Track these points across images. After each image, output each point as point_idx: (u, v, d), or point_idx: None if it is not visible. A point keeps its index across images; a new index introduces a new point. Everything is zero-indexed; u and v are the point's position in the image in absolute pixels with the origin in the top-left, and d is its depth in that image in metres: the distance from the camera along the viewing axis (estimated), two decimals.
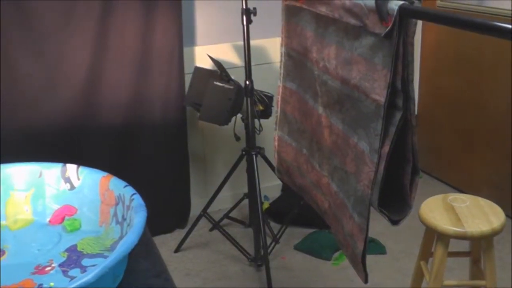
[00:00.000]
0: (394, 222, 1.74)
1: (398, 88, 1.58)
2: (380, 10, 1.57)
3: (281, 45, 2.28)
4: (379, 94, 1.61)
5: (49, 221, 1.77)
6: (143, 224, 1.37)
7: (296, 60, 2.16)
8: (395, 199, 1.74)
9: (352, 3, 1.69)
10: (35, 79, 2.99)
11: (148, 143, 3.32)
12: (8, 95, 2.93)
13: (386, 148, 1.62)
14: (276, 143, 2.36)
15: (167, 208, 3.41)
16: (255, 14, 2.89)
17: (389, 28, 1.53)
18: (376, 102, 1.62)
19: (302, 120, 2.13)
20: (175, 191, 3.48)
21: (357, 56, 1.71)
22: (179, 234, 3.44)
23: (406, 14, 1.51)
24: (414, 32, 1.56)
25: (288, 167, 2.30)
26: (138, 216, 1.41)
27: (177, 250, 3.33)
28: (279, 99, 2.30)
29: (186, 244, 3.35)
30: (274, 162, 2.45)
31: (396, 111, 1.61)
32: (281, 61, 2.29)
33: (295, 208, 3.39)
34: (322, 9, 1.88)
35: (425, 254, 2.48)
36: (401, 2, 1.51)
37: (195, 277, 3.09)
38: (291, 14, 2.18)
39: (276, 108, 2.35)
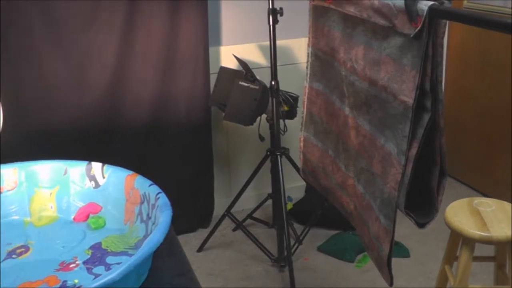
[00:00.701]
0: (421, 225, 1.72)
1: (427, 90, 1.57)
2: (409, 10, 1.55)
3: (308, 46, 2.26)
4: (408, 96, 1.59)
5: (74, 219, 1.77)
6: (168, 223, 1.37)
7: (323, 61, 2.15)
8: (421, 201, 1.72)
9: (381, 3, 1.67)
10: (62, 78, 3.01)
11: (172, 142, 3.32)
12: (35, 93, 2.94)
13: (414, 150, 1.61)
14: (302, 144, 2.35)
15: (190, 208, 3.40)
16: (281, 14, 2.88)
17: (418, 28, 1.52)
18: (404, 104, 1.60)
19: (329, 121, 2.12)
20: (199, 190, 3.48)
21: (385, 57, 1.69)
22: (202, 233, 3.44)
23: (436, 15, 1.49)
24: (444, 33, 1.54)
25: (314, 168, 2.29)
26: (163, 215, 1.41)
27: (200, 249, 3.33)
28: (305, 99, 2.29)
29: (209, 243, 3.35)
30: (299, 163, 2.44)
31: (424, 113, 1.59)
32: (307, 62, 2.27)
33: (318, 209, 3.37)
34: (350, 9, 1.87)
35: (450, 258, 2.46)
36: (431, 3, 1.50)
37: (217, 277, 3.09)
38: (318, 14, 2.17)
39: (302, 109, 2.33)
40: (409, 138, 1.61)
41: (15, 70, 2.86)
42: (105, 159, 1.81)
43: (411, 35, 1.55)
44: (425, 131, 1.58)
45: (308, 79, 2.27)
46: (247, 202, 3.51)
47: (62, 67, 3.00)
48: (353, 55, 1.87)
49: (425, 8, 1.49)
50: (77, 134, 3.06)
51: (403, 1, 1.56)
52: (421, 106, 1.59)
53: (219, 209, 3.50)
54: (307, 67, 2.28)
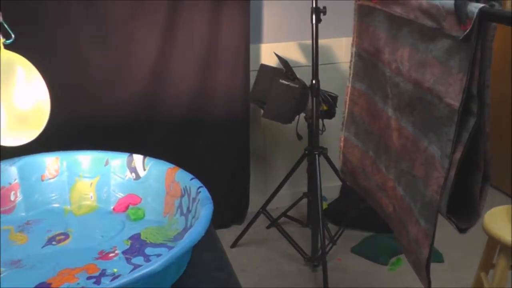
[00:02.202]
0: (462, 230, 1.70)
1: (473, 93, 1.55)
2: (459, 12, 1.53)
3: (352, 45, 2.25)
4: (454, 99, 1.57)
5: (113, 209, 1.79)
6: (209, 217, 1.37)
7: (366, 61, 2.14)
8: (463, 206, 1.70)
9: (429, 4, 1.65)
10: (104, 71, 3.04)
11: (210, 138, 3.33)
12: (77, 85, 2.98)
13: (458, 154, 1.59)
14: (342, 144, 2.34)
15: (226, 203, 3.41)
16: (324, 13, 2.87)
17: (467, 31, 1.50)
18: (450, 107, 1.58)
19: (370, 122, 2.11)
20: (235, 187, 3.48)
21: (431, 59, 1.67)
22: (236, 229, 3.45)
23: (486, 18, 1.47)
24: (493, 36, 1.52)
25: (353, 168, 2.28)
26: (204, 209, 1.42)
27: (233, 245, 3.33)
28: (347, 99, 2.28)
29: (242, 240, 3.35)
30: (338, 163, 2.43)
31: (470, 117, 1.57)
32: (351, 61, 2.26)
33: (353, 210, 3.35)
34: (397, 10, 1.85)
35: (486, 265, 2.42)
36: (481, 5, 1.47)
37: (250, 274, 3.09)
38: (363, 14, 2.15)
39: (343, 109, 2.32)
40: (453, 141, 1.59)
41: (59, 62, 2.90)
42: (143, 152, 1.83)
43: (460, 38, 1.53)
44: (470, 135, 1.56)
45: (350, 79, 2.26)
46: (281, 200, 3.50)
47: (104, 61, 3.03)
48: (399, 56, 1.85)
49: (475, 10, 1.47)
50: (116, 126, 3.08)
51: (452, 3, 1.54)
52: (467, 110, 1.57)
53: (253, 205, 3.51)
54: (350, 67, 2.27)
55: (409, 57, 1.79)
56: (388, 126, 1.95)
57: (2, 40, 1.48)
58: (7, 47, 1.50)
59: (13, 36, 1.49)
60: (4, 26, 1.48)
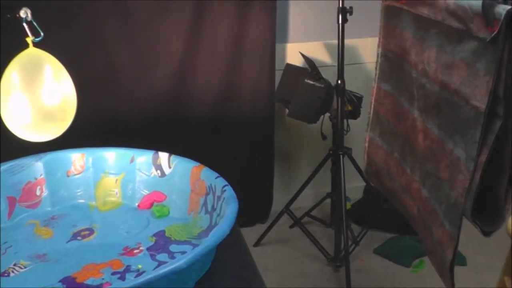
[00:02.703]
0: (486, 234, 1.69)
1: (500, 96, 1.53)
2: (486, 14, 1.52)
3: (378, 46, 2.25)
4: (480, 101, 1.56)
5: (138, 206, 1.81)
6: (235, 215, 1.38)
7: (392, 62, 2.13)
8: (488, 209, 1.69)
9: (456, 6, 1.64)
10: (129, 68, 3.05)
11: (235, 136, 3.33)
12: (103, 82, 3.00)
13: (484, 157, 1.58)
14: (367, 144, 2.34)
15: (249, 202, 3.40)
16: (351, 14, 2.86)
17: (495, 33, 1.48)
18: (476, 109, 1.58)
19: (396, 123, 2.10)
20: (259, 186, 3.49)
21: (458, 61, 1.67)
22: (259, 228, 3.45)
23: None
24: None
25: (378, 169, 2.27)
26: (230, 207, 1.43)
27: (256, 244, 3.34)
28: (373, 100, 2.28)
29: (265, 239, 3.35)
30: (363, 163, 2.42)
31: (496, 119, 1.56)
32: (377, 62, 2.26)
33: (377, 212, 3.34)
34: (424, 11, 1.84)
35: (510, 269, 2.40)
36: (509, 7, 1.46)
37: (273, 272, 3.09)
38: (390, 14, 2.15)
39: (369, 109, 2.32)
40: (479, 144, 1.58)
41: (86, 60, 2.92)
42: (168, 150, 1.84)
43: (487, 40, 1.52)
44: (496, 138, 1.55)
45: (376, 80, 2.26)
46: (305, 200, 3.50)
47: (130, 59, 3.04)
48: (425, 57, 1.85)
49: (503, 12, 1.46)
50: (142, 124, 3.10)
51: (480, 4, 1.53)
52: (493, 112, 1.55)
53: (277, 205, 3.51)
54: (376, 68, 2.26)
55: (435, 59, 1.79)
56: (413, 128, 1.95)
57: (31, 38, 1.50)
58: (35, 44, 1.52)
59: (42, 34, 1.50)
60: (34, 24, 1.50)
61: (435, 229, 1.80)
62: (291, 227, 3.49)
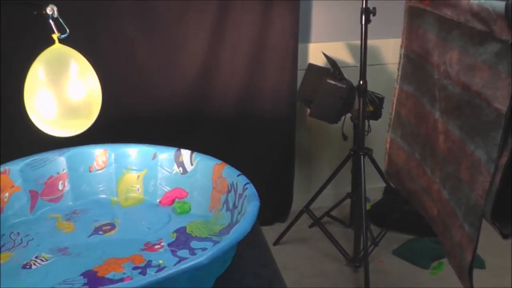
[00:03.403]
0: (505, 236, 1.68)
1: None
2: (508, 16, 1.51)
3: (401, 47, 2.24)
4: (502, 103, 1.56)
5: (159, 202, 1.83)
6: (256, 213, 1.39)
7: (415, 63, 2.13)
8: (507, 211, 1.68)
9: (480, 7, 1.64)
10: (153, 68, 3.07)
11: (256, 135, 3.34)
12: (128, 82, 3.02)
13: (504, 159, 1.57)
14: (388, 145, 2.34)
15: (269, 201, 3.42)
16: (374, 14, 2.86)
17: None
18: (497, 111, 1.57)
19: (417, 124, 2.10)
20: (279, 185, 3.49)
21: (481, 63, 1.66)
22: (278, 227, 3.45)
23: None
24: None
25: (398, 170, 2.27)
26: (251, 205, 1.44)
27: (275, 243, 3.34)
28: (395, 101, 2.27)
29: (285, 238, 3.36)
30: (384, 164, 2.42)
31: None
32: (399, 63, 2.25)
33: (396, 213, 3.34)
34: (448, 12, 1.84)
35: None
36: None
37: (291, 272, 3.10)
38: (413, 16, 2.14)
39: (390, 110, 2.32)
40: (500, 146, 1.57)
41: (110, 57, 2.94)
42: (189, 147, 1.85)
43: (510, 42, 1.51)
44: None
45: (398, 81, 2.25)
46: (324, 200, 3.49)
47: (153, 57, 3.07)
48: (448, 59, 1.84)
49: None
50: (164, 121, 3.12)
51: (503, 6, 1.52)
52: None
53: (296, 204, 3.51)
54: (398, 69, 2.26)
55: (458, 60, 1.78)
56: (435, 129, 1.94)
57: (57, 34, 1.52)
58: (61, 41, 1.54)
59: (68, 31, 1.52)
60: (60, 21, 1.52)
61: (455, 231, 1.80)
62: (310, 226, 3.49)
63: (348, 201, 3.37)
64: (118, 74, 2.97)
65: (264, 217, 3.46)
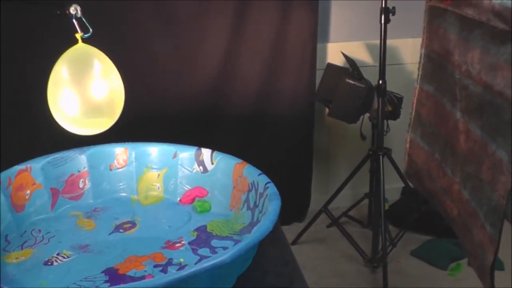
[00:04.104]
0: None
1: None
2: None
3: (421, 47, 2.24)
4: None
5: (180, 201, 1.83)
6: (277, 212, 1.40)
7: (435, 63, 2.12)
8: None
9: (501, 7, 1.63)
10: (172, 68, 3.08)
11: (274, 135, 3.34)
12: (148, 82, 3.03)
13: None
14: (408, 145, 2.33)
15: (287, 201, 3.39)
16: (393, 14, 2.85)
17: None
18: None
19: (437, 124, 2.09)
20: (297, 184, 3.49)
21: (502, 62, 1.65)
22: (296, 227, 3.45)
23: None
24: None
25: (418, 170, 2.26)
26: (272, 204, 1.44)
27: (293, 243, 3.34)
28: (415, 101, 2.27)
29: (303, 238, 3.36)
30: (403, 164, 2.42)
31: None
32: (419, 63, 2.25)
33: (415, 213, 3.33)
34: (469, 12, 1.83)
35: None
36: None
37: (310, 271, 3.09)
38: (434, 15, 2.14)
39: (410, 110, 2.31)
40: None
41: (130, 58, 2.94)
42: (207, 146, 1.86)
43: None
44: None
45: (419, 81, 2.25)
46: (342, 200, 3.49)
47: (172, 58, 3.07)
48: (469, 58, 1.84)
49: None
50: (183, 121, 3.13)
51: None
52: None
53: (314, 204, 3.51)
54: (418, 68, 2.26)
55: (479, 60, 1.77)
56: (455, 129, 1.94)
57: (81, 34, 1.53)
58: (84, 40, 1.55)
59: (91, 30, 1.53)
60: (83, 21, 1.53)
61: (476, 232, 1.79)
62: (328, 226, 3.49)
63: (365, 201, 3.37)
64: (137, 73, 2.97)
65: (282, 216, 3.41)
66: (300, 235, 3.35)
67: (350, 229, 3.36)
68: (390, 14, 2.85)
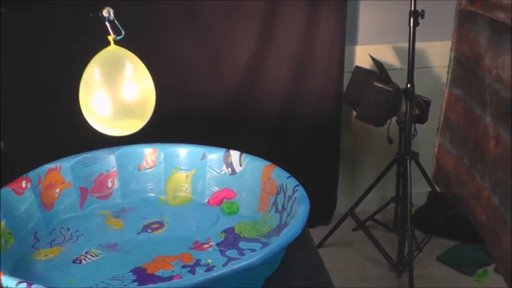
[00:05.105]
0: None
1: None
2: None
3: (451, 50, 2.22)
4: None
5: (207, 202, 1.84)
6: (306, 215, 1.40)
7: (465, 67, 2.10)
8: None
9: None
10: (200, 69, 3.10)
11: (301, 137, 3.35)
12: (171, 81, 3.04)
13: None
14: (436, 150, 2.31)
15: (313, 203, 3.40)
16: (422, 17, 2.84)
17: None
18: None
19: (467, 128, 2.07)
20: (323, 187, 3.48)
21: None
22: (321, 230, 3.44)
23: None
24: None
25: (446, 175, 2.25)
26: (301, 207, 1.44)
27: (319, 246, 3.33)
28: (444, 105, 2.25)
29: (328, 241, 3.35)
30: (431, 169, 2.40)
31: None
32: (449, 66, 2.23)
33: (441, 218, 3.31)
34: (500, 15, 1.82)
35: None
36: None
37: (335, 275, 3.05)
38: (464, 19, 2.12)
39: (439, 114, 2.30)
40: None
41: (158, 58, 2.97)
42: (233, 148, 1.86)
43: None
44: None
45: (448, 84, 2.23)
46: (368, 203, 3.48)
47: (201, 58, 3.09)
48: (500, 62, 1.82)
49: None
50: (209, 122, 3.14)
51: None
52: None
53: (340, 207, 3.51)
54: (447, 72, 2.24)
55: (510, 64, 1.76)
56: (485, 134, 1.92)
57: (113, 36, 1.54)
58: (116, 42, 1.56)
59: (123, 32, 1.54)
60: (115, 23, 1.54)
61: (505, 238, 1.78)
62: (354, 230, 3.48)
63: (392, 205, 3.35)
64: (166, 75, 2.98)
65: (308, 219, 3.44)
66: (325, 238, 3.35)
67: (376, 233, 3.35)
68: (419, 17, 2.84)
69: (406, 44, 2.90)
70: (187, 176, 1.89)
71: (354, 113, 3.13)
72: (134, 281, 1.42)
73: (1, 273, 1.24)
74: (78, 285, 1.42)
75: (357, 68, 3.14)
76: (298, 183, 1.58)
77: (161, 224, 1.73)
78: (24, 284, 1.19)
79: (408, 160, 3.00)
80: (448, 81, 2.23)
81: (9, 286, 1.21)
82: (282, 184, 1.63)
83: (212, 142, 1.93)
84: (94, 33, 1.54)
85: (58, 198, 1.76)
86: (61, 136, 2.88)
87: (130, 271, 1.47)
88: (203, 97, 3.13)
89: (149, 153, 1.92)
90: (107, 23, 1.53)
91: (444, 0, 3.06)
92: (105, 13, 1.52)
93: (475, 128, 2.01)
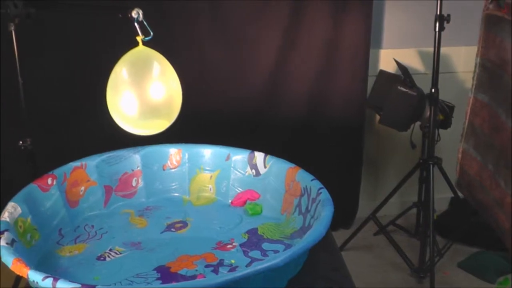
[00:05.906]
0: None
1: None
2: None
3: (477, 55, 2.22)
4: None
5: (231, 203, 1.85)
6: (330, 218, 1.41)
7: (491, 72, 2.10)
8: None
9: None
10: (225, 70, 3.10)
11: (324, 140, 3.34)
12: (201, 84, 3.06)
13: None
14: (460, 155, 2.31)
15: (335, 207, 3.40)
16: (448, 21, 2.82)
17: None
18: None
19: (492, 135, 2.07)
20: (345, 191, 3.48)
21: None
22: (343, 234, 3.43)
23: None
24: None
25: (470, 181, 2.24)
26: (325, 210, 1.45)
27: (340, 249, 3.32)
28: (468, 110, 2.25)
29: (349, 244, 3.34)
30: (455, 174, 2.40)
31: None
32: (474, 72, 2.23)
33: (463, 224, 3.29)
34: None
35: None
36: None
37: (355, 279, 3.03)
38: (491, 24, 2.12)
39: (464, 120, 2.29)
40: None
41: (185, 59, 2.97)
42: (256, 149, 1.87)
43: None
44: None
45: (473, 90, 2.23)
46: (389, 208, 3.46)
47: (225, 60, 3.09)
48: None
49: None
50: (232, 123, 3.14)
51: None
52: None
53: (362, 211, 3.50)
54: (473, 78, 2.24)
55: None
56: (510, 140, 1.92)
57: (142, 37, 1.56)
58: (144, 43, 1.58)
59: (151, 33, 1.56)
60: (144, 24, 1.56)
61: None
62: (375, 234, 3.47)
63: (413, 210, 3.34)
64: (192, 76, 3.00)
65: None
66: (346, 241, 3.34)
67: (397, 238, 3.33)
68: (445, 22, 2.82)
69: (431, 49, 2.89)
70: (211, 176, 1.90)
71: (378, 117, 3.13)
72: (157, 279, 1.43)
73: (28, 268, 1.26)
74: (102, 281, 1.44)
75: (382, 72, 3.14)
76: (322, 186, 1.59)
77: (184, 224, 1.74)
78: (50, 279, 1.21)
79: (431, 166, 2.98)
80: (474, 86, 2.23)
81: (35, 280, 1.23)
82: (306, 186, 1.64)
83: (236, 143, 1.94)
84: (122, 34, 1.56)
85: (83, 196, 1.78)
86: (87, 134, 2.91)
87: (154, 269, 1.48)
88: (228, 98, 3.14)
89: (174, 153, 1.93)
90: (136, 24, 1.54)
91: (470, 4, 3.06)
92: (134, 14, 1.54)
93: (500, 134, 2.01)
